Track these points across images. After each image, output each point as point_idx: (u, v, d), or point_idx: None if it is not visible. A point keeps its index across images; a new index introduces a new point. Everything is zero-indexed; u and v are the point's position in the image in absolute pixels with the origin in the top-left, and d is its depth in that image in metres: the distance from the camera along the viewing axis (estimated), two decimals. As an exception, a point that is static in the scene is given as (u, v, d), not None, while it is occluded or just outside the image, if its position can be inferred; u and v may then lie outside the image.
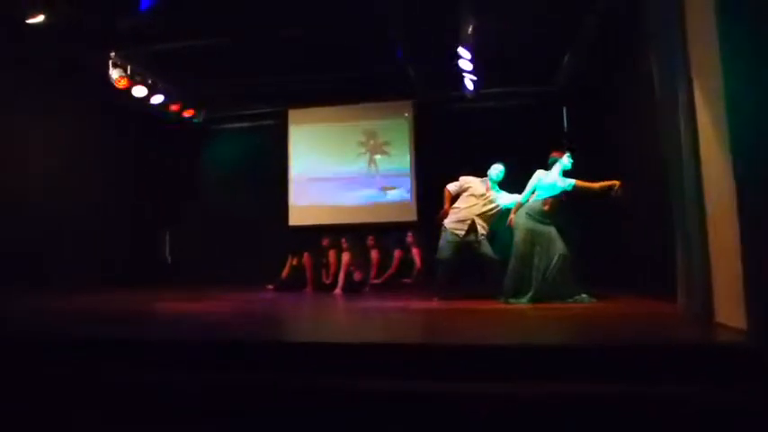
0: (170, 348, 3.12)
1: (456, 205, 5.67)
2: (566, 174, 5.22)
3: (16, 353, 3.22)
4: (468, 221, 5.55)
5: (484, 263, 5.56)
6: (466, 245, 5.57)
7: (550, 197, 5.15)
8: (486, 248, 5.56)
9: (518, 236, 5.15)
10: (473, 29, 6.29)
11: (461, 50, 6.76)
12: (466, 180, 5.78)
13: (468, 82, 7.62)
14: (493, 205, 5.64)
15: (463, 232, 5.54)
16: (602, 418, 2.28)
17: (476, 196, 5.64)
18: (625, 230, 6.22)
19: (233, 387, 2.67)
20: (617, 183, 4.90)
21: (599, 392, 2.37)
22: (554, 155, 5.26)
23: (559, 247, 5.00)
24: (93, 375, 2.90)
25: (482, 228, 5.57)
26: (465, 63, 7.01)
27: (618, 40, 5.99)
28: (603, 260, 6.96)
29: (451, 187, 5.78)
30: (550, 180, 5.19)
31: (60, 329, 3.96)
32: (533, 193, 5.24)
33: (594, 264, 6.96)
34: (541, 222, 5.13)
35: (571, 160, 5.23)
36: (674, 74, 3.53)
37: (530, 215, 5.16)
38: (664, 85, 3.63)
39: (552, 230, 5.09)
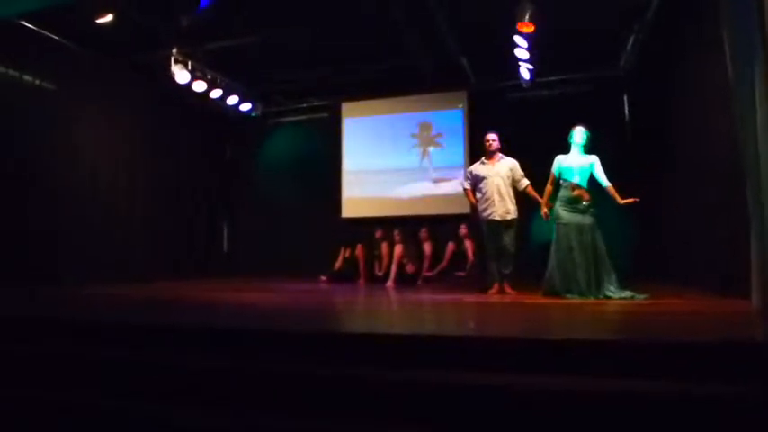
0: (224, 336, 3.19)
1: (478, 195, 5.68)
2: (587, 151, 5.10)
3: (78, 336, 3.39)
4: (492, 201, 5.50)
5: (500, 249, 5.48)
6: (500, 227, 5.50)
7: (575, 183, 4.96)
8: (509, 236, 5.48)
9: (556, 230, 5.01)
10: (530, 15, 6.09)
11: (517, 38, 6.57)
12: (470, 170, 5.88)
13: (525, 71, 7.40)
14: (506, 177, 5.57)
15: (494, 213, 5.48)
16: (673, 416, 2.15)
17: (485, 177, 5.60)
18: (687, 224, 5.89)
19: (284, 376, 2.69)
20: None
21: (667, 391, 2.25)
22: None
23: (598, 239, 4.80)
24: (147, 360, 3.01)
25: (505, 202, 5.49)
26: (521, 51, 6.81)
27: (685, 18, 5.66)
28: (661, 254, 6.67)
29: (465, 184, 5.87)
30: (567, 163, 5.05)
31: (126, 316, 4.14)
32: (559, 179, 5.11)
33: (651, 258, 6.69)
34: (577, 211, 4.91)
35: (584, 136, 5.07)
36: (749, 54, 3.29)
37: (562, 205, 4.99)
38: (738, 67, 3.38)
39: (590, 220, 4.87)
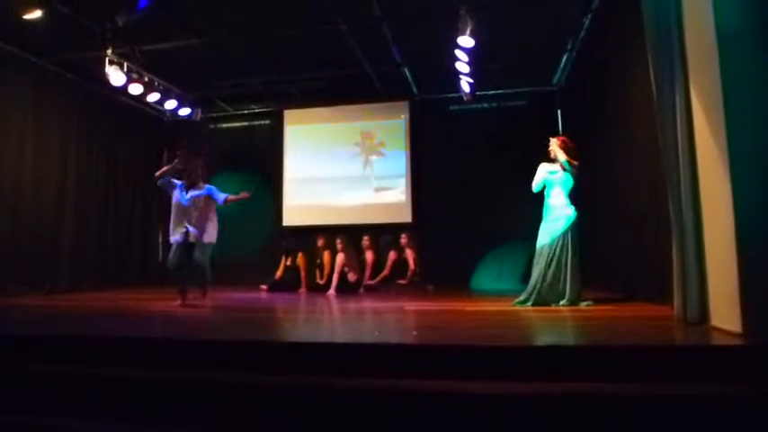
0: (159, 347, 3.09)
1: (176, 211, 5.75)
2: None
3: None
4: (182, 227, 5.63)
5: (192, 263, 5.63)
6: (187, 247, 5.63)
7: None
8: (198, 252, 5.62)
9: None
10: (470, 30, 6.28)
11: (458, 52, 6.74)
12: (177, 183, 5.82)
13: (465, 84, 7.60)
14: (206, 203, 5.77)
15: (185, 234, 5.61)
16: (595, 417, 2.26)
17: (187, 201, 5.70)
18: (621, 233, 6.20)
19: (224, 387, 2.64)
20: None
21: (590, 392, 2.36)
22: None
23: (565, 246, 4.87)
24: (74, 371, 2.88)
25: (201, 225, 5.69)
26: (462, 65, 6.99)
27: (614, 40, 5.99)
28: (597, 263, 6.96)
29: (164, 184, 5.84)
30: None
31: (59, 328, 3.93)
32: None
33: (588, 267, 6.95)
34: (549, 221, 5.00)
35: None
36: (671, 72, 3.52)
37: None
38: (661, 85, 3.62)
39: (561, 227, 4.91)
